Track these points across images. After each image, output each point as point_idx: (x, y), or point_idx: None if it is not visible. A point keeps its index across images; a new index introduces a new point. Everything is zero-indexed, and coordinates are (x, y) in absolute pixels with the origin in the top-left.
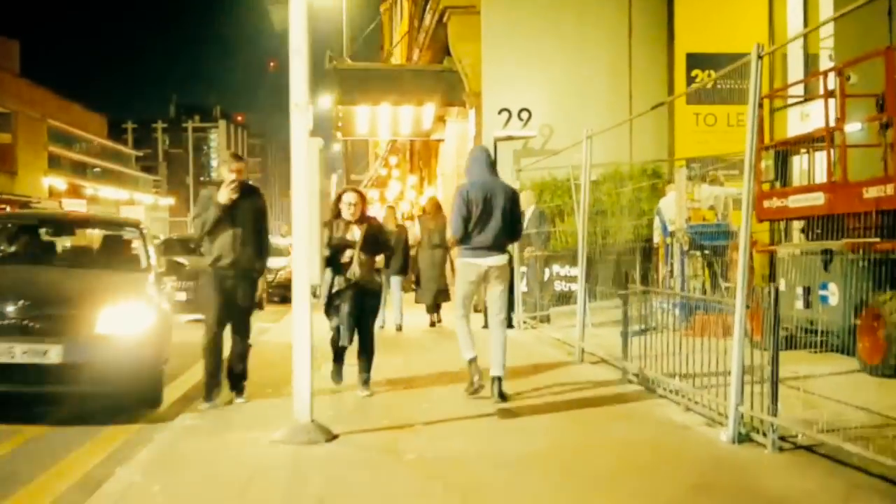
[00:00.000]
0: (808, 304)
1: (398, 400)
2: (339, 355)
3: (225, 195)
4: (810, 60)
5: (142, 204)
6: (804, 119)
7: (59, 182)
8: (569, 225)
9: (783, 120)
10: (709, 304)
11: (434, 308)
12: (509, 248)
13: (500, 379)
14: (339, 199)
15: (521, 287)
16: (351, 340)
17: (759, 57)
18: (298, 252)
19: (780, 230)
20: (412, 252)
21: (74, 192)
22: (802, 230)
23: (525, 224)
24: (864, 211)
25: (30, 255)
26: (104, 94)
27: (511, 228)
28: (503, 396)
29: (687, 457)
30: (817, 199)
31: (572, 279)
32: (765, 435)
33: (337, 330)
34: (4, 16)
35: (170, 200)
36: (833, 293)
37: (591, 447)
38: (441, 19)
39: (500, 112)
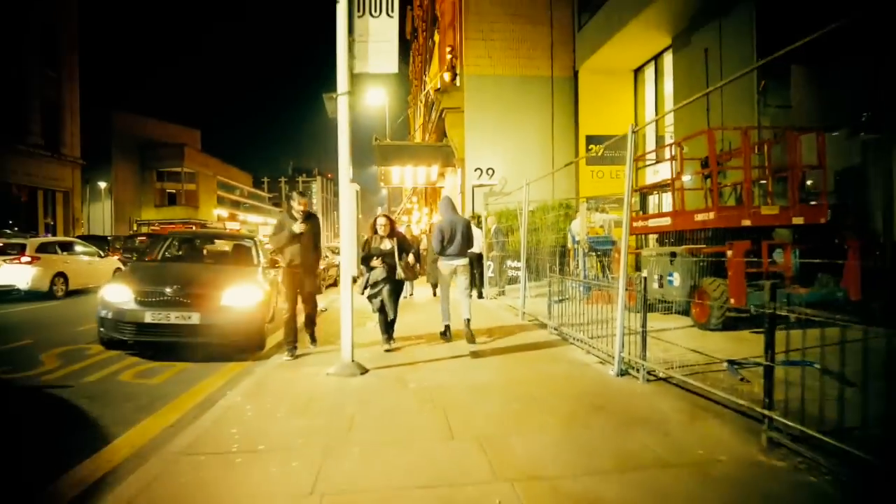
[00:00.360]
0: (661, 285)
1: (408, 346)
2: (389, 326)
3: (299, 227)
4: (658, 139)
5: (269, 225)
6: (655, 174)
7: (223, 212)
8: (516, 237)
9: (643, 174)
10: (600, 285)
11: (435, 286)
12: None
13: (468, 320)
14: (374, 221)
15: (488, 273)
16: (394, 313)
17: (634, 132)
18: (344, 255)
19: (642, 240)
20: (423, 253)
21: (233, 218)
22: (657, 240)
23: (490, 236)
24: (695, 228)
25: (186, 257)
26: (251, 158)
27: (468, 243)
28: (471, 333)
29: (586, 384)
30: (666, 221)
31: (518, 269)
32: (638, 371)
33: (381, 310)
34: (194, 113)
35: None
36: (676, 278)
37: (526, 378)
38: (441, 115)
39: (475, 170)
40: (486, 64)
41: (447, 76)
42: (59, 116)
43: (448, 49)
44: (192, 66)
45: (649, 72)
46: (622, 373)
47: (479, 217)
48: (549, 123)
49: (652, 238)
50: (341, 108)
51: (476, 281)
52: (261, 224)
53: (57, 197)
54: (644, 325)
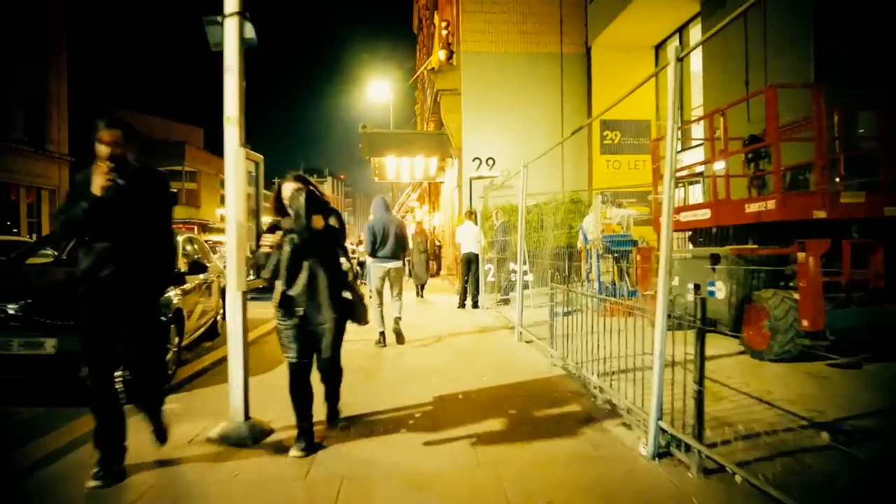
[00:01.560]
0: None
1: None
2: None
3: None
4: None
5: None
6: (677, 164)
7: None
8: (514, 235)
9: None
10: (622, 303)
11: (421, 285)
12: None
13: (398, 320)
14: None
15: (487, 278)
16: None
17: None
18: (230, 253)
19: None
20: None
21: None
22: (689, 238)
23: (495, 234)
24: (745, 223)
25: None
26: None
27: (400, 246)
28: (400, 334)
29: (602, 473)
30: (704, 214)
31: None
32: (686, 451)
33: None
34: (195, 110)
35: None
36: (720, 289)
37: (501, 458)
38: (436, 99)
39: (473, 159)
40: (486, 40)
41: (442, 54)
42: (45, 111)
43: (444, 24)
44: (198, 63)
45: (673, 47)
46: (660, 453)
47: (473, 212)
48: (559, 107)
49: (678, 237)
50: (230, 38)
51: (470, 286)
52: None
53: (42, 195)
54: (700, 379)
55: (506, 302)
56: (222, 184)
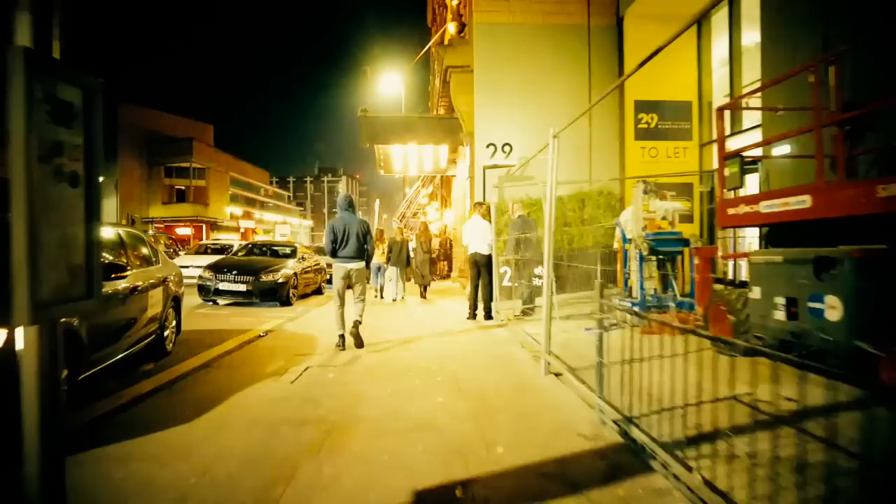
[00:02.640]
0: (792, 316)
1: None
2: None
3: None
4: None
5: (289, 224)
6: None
7: (237, 210)
8: (538, 231)
9: (707, 154)
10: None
11: (424, 286)
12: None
13: (358, 323)
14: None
15: (503, 282)
16: None
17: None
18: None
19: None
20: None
21: (248, 216)
22: (765, 238)
23: (510, 230)
24: (874, 213)
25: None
26: (269, 156)
27: (363, 245)
28: (359, 337)
29: None
30: (802, 201)
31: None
32: None
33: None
34: (206, 107)
35: (310, 222)
36: (833, 307)
37: None
38: (446, 78)
39: (487, 146)
40: (503, 9)
41: (453, 27)
42: None
43: None
44: (213, 61)
45: (719, 17)
46: None
47: (485, 205)
48: (586, 86)
49: (743, 234)
50: None
51: (482, 293)
52: (279, 223)
53: None
54: None
55: (525, 313)
56: (233, 181)
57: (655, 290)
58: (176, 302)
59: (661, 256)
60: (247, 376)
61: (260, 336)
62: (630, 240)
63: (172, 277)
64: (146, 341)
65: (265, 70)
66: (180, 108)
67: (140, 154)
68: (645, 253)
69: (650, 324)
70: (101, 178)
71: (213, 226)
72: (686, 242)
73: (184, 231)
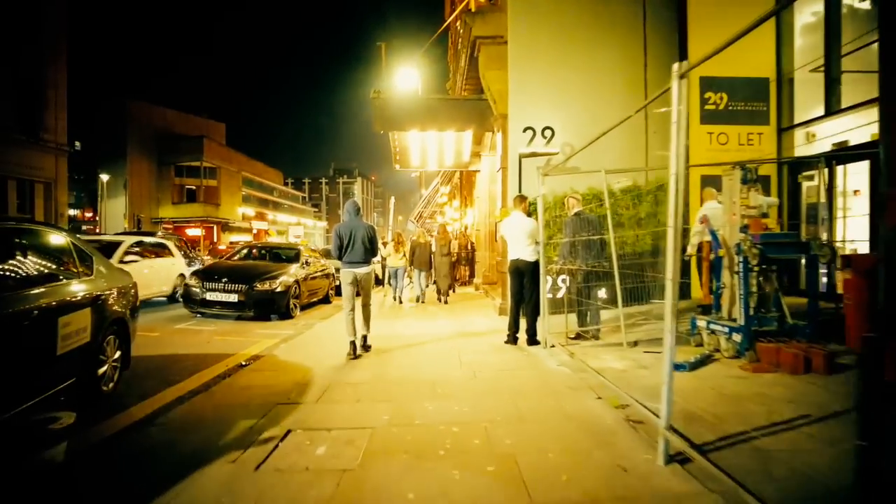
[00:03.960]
0: None
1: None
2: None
3: None
4: (832, 85)
5: (303, 225)
6: (810, 139)
7: (249, 210)
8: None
9: (790, 140)
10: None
11: (444, 291)
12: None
13: (365, 336)
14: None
15: (558, 292)
16: None
17: None
18: None
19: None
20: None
21: (261, 217)
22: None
23: (565, 231)
24: None
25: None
26: (284, 156)
27: (370, 251)
28: (367, 347)
29: None
30: None
31: (598, 288)
32: None
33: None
34: (218, 106)
35: (325, 224)
36: None
37: None
38: (474, 52)
39: (524, 130)
40: None
41: None
42: (41, 97)
43: None
44: (226, 56)
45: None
46: None
47: (531, 203)
48: (641, 60)
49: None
50: None
51: (526, 309)
52: (293, 224)
53: (36, 188)
54: None
55: (580, 336)
56: (245, 181)
57: (758, 310)
58: (120, 326)
59: (772, 266)
60: (195, 449)
61: (241, 366)
62: (721, 243)
63: (114, 293)
64: (60, 387)
65: (281, 67)
66: (192, 106)
67: (150, 152)
68: (753, 261)
69: (759, 358)
70: (106, 177)
71: (225, 227)
72: (805, 247)
73: (194, 232)
